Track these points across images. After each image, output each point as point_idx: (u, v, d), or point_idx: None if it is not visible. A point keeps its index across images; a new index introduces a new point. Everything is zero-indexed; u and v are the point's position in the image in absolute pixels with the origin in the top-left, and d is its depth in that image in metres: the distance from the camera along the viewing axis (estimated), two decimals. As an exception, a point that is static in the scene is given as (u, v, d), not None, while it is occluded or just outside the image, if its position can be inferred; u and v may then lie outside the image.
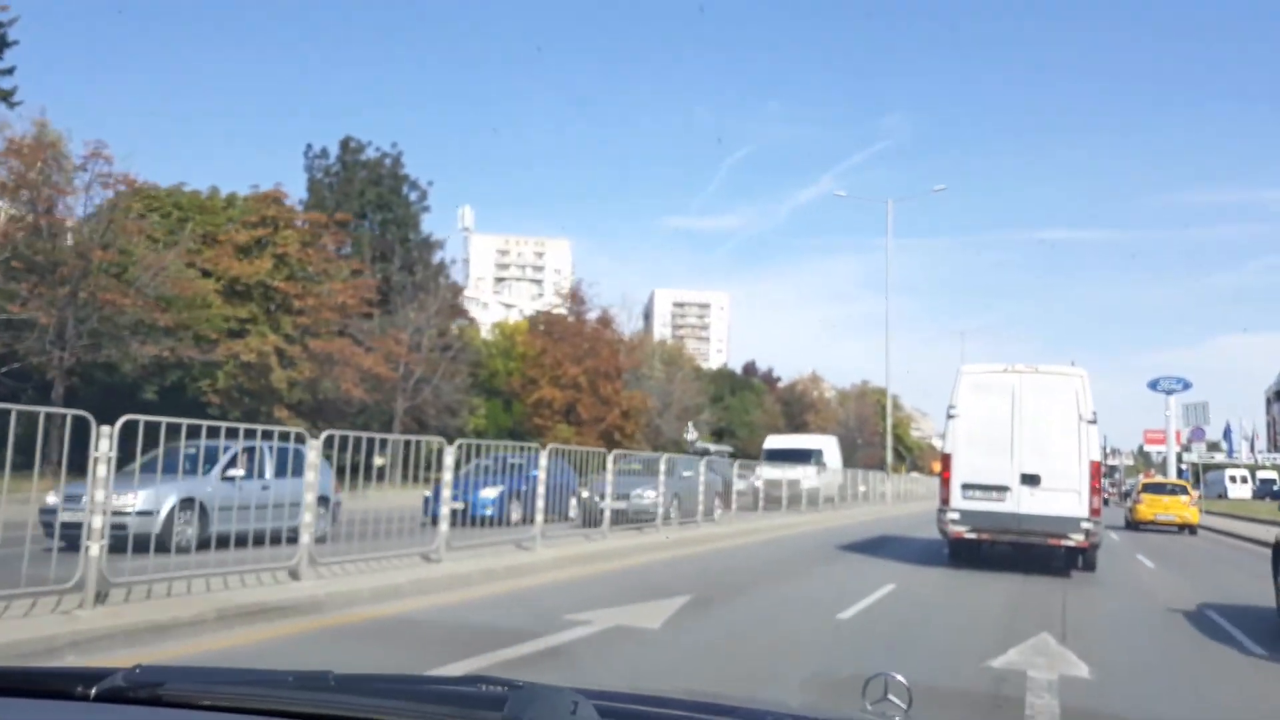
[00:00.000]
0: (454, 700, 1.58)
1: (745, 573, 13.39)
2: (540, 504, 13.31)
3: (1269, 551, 11.72)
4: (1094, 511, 13.53)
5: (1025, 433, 13.94)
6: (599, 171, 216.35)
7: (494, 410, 54.44)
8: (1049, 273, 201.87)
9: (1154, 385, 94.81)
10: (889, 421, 41.85)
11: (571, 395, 46.18)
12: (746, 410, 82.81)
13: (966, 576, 13.59)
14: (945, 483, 14.44)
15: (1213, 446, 56.60)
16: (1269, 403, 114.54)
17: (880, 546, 18.67)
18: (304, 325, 29.93)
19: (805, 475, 28.76)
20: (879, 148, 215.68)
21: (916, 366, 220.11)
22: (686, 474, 20.14)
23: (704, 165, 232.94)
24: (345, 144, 47.58)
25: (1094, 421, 13.81)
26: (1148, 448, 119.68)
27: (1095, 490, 13.53)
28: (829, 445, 39.95)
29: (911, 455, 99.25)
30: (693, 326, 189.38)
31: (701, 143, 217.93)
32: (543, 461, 13.54)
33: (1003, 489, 13.92)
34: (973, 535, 14.24)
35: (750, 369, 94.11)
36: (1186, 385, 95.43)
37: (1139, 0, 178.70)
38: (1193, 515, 31.26)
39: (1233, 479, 68.66)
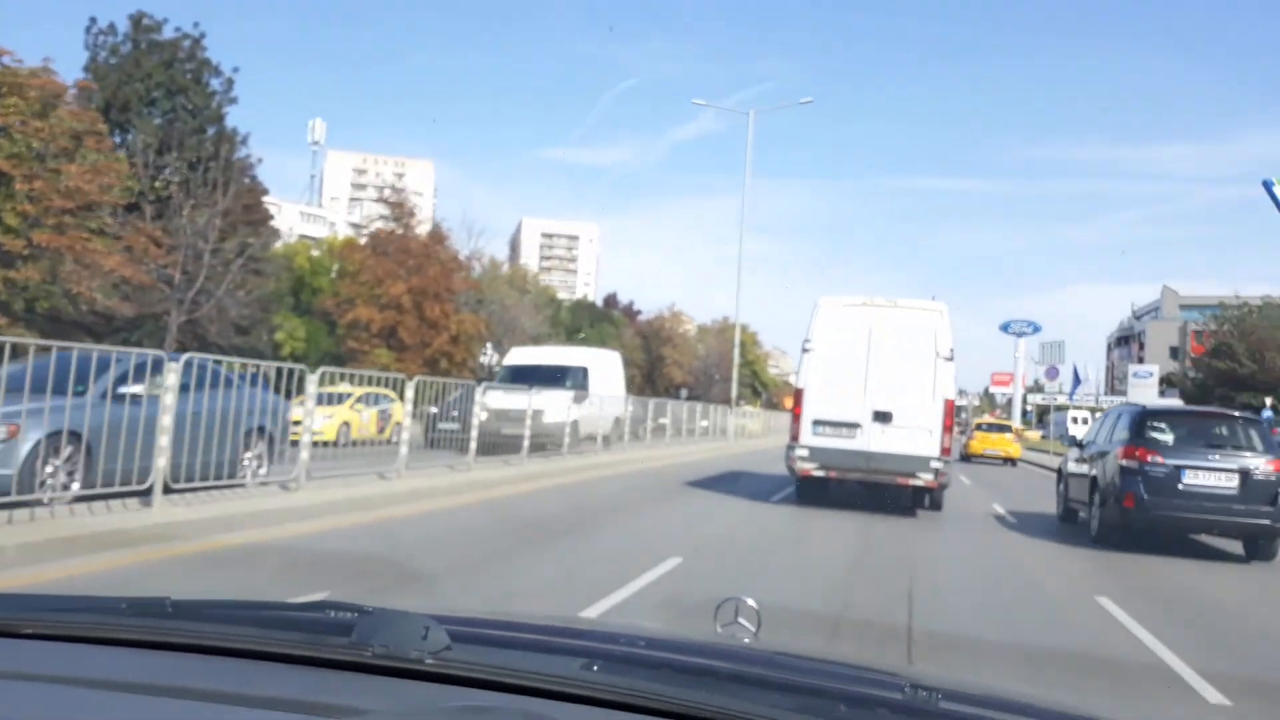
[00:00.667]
0: (299, 626, 1.54)
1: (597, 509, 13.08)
2: (405, 435, 13.28)
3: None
4: (944, 451, 13.17)
5: (880, 368, 13.40)
6: (476, 98, 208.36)
7: (315, 332, 49.30)
8: (915, 219, 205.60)
9: (1005, 328, 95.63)
10: (736, 353, 38.29)
11: (392, 317, 41.38)
12: (604, 343, 79.34)
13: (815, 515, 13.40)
14: (796, 418, 13.86)
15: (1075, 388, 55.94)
16: (1109, 348, 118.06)
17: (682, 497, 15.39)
18: (32, 215, 24.31)
19: (553, 403, 18.92)
20: (759, 89, 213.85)
21: (781, 307, 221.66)
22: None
23: (585, 98, 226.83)
24: (137, 21, 40.98)
25: (951, 359, 13.27)
26: (993, 389, 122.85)
27: (948, 429, 13.14)
28: (599, 363, 25.62)
29: (768, 391, 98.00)
30: (561, 258, 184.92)
31: (583, 75, 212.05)
32: (408, 393, 13.53)
33: (854, 426, 13.42)
34: (821, 473, 13.68)
35: (611, 301, 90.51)
36: (1036, 328, 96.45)
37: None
38: (1015, 450, 36.27)
39: (1074, 420, 69.11)
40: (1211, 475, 11.17)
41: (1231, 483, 11.08)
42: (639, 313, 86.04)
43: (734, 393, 36.43)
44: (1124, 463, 11.47)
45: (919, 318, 13.62)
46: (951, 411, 13.30)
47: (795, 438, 13.80)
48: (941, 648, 6.16)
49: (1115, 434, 12.35)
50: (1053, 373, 39.07)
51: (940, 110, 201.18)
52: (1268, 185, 58.85)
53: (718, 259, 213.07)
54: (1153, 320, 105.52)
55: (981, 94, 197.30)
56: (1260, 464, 11.19)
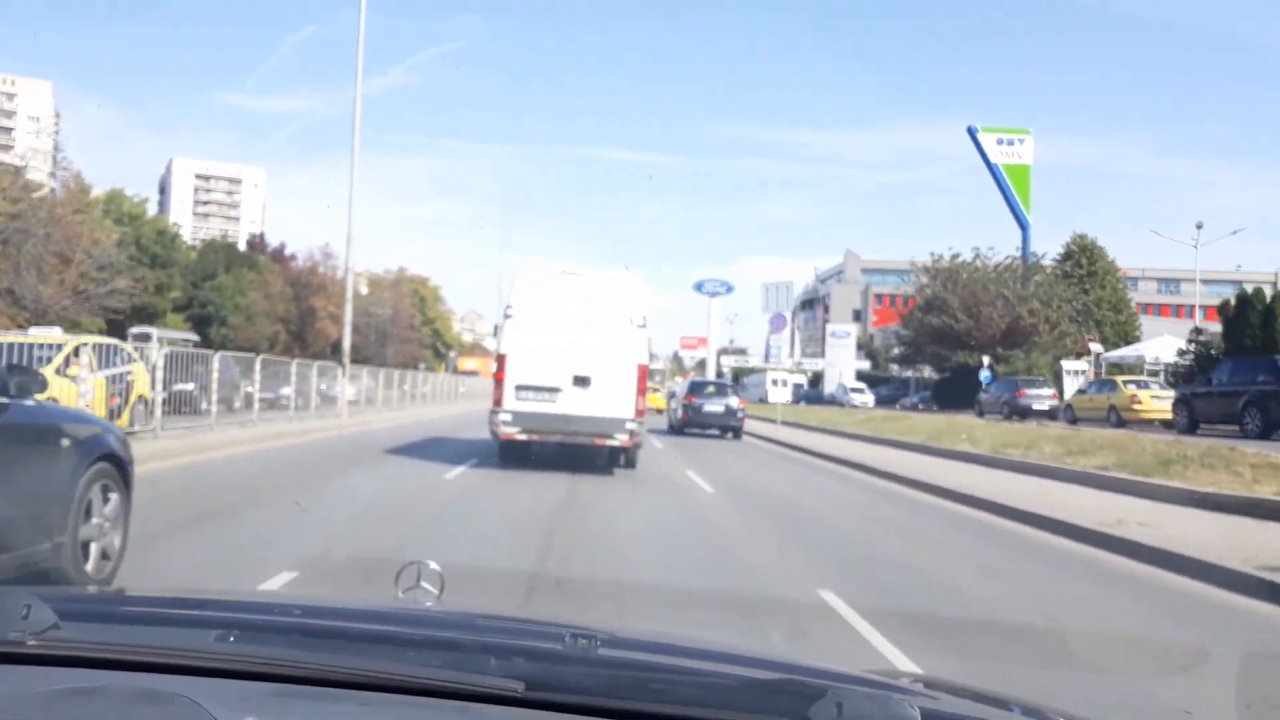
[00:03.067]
0: None
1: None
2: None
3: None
4: (638, 413, 13.63)
5: (578, 334, 13.42)
6: (132, 24, 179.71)
7: None
8: (605, 189, 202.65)
9: (699, 287, 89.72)
10: (349, 308, 26.46)
11: None
12: (243, 291, 64.73)
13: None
14: (499, 384, 13.70)
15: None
16: (794, 312, 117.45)
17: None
18: None
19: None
20: (452, 46, 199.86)
21: (479, 270, 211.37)
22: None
23: (263, 39, 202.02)
24: None
25: (644, 326, 13.72)
26: (682, 352, 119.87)
27: (641, 392, 13.63)
28: None
29: (450, 351, 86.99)
30: (220, 204, 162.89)
31: (258, 17, 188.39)
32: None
33: (554, 390, 13.46)
34: (524, 436, 13.64)
35: (257, 244, 75.28)
36: (730, 288, 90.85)
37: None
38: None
39: (774, 383, 63.79)
40: (714, 406, 26.05)
41: (720, 409, 25.98)
42: (293, 257, 71.77)
43: (346, 347, 25.13)
44: (685, 402, 26.75)
45: (614, 286, 13.88)
46: (644, 376, 13.75)
47: (499, 403, 13.63)
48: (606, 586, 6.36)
49: (682, 390, 29.79)
50: (778, 321, 31.79)
51: (626, 82, 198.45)
52: (971, 132, 55.65)
53: (408, 219, 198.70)
54: (836, 283, 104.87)
55: (666, 69, 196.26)
56: (733, 401, 26.34)
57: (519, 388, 13.35)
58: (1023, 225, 49.66)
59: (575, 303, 13.46)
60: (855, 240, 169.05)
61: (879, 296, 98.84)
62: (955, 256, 46.30)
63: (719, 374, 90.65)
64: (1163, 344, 39.64)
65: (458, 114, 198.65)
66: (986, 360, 40.83)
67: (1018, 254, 48.16)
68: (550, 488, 11.81)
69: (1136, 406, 24.88)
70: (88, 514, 4.96)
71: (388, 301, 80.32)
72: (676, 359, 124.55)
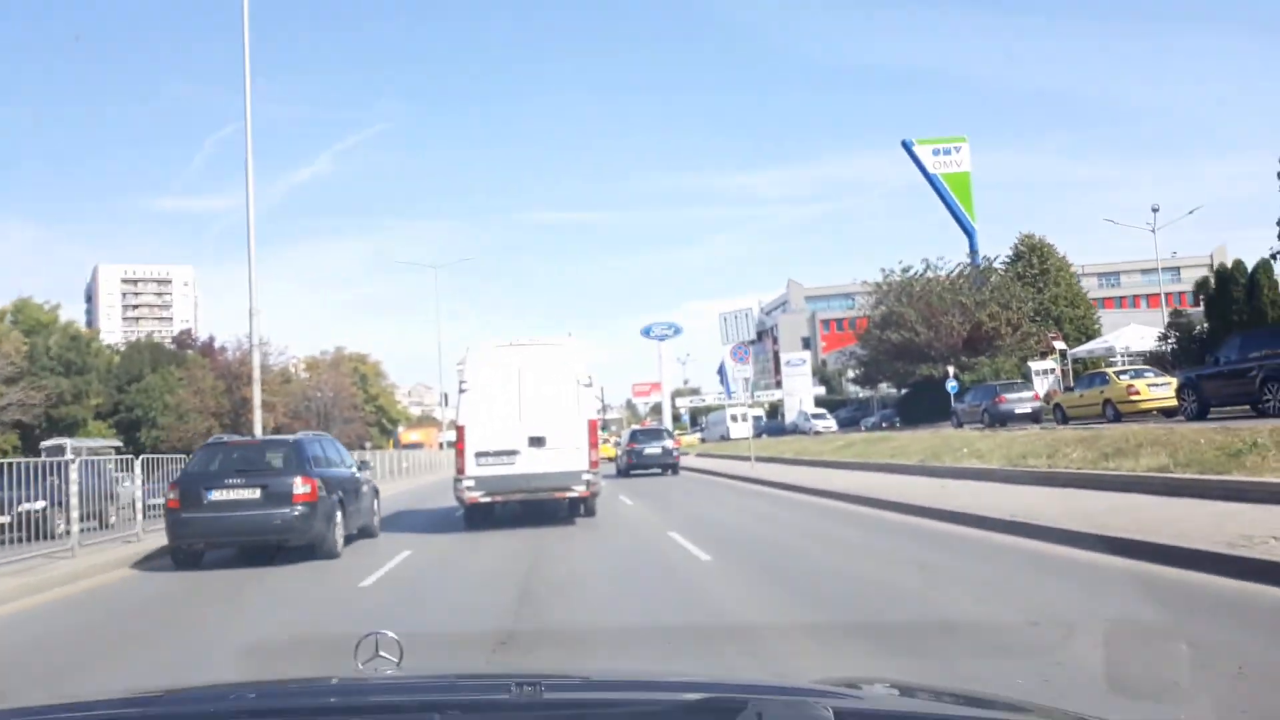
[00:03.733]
0: None
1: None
2: None
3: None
4: (593, 464, 14.23)
5: (529, 399, 14.13)
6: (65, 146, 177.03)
7: None
8: (542, 252, 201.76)
9: (646, 332, 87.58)
10: (257, 390, 23.72)
11: None
12: (172, 390, 61.03)
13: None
14: (460, 453, 14.33)
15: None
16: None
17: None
18: None
19: None
20: (377, 130, 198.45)
21: (425, 345, 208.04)
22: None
23: (186, 145, 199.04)
24: None
25: (589, 385, 14.80)
26: (634, 400, 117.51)
27: (593, 445, 14.28)
28: None
29: (396, 427, 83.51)
30: (151, 306, 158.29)
31: (180, 122, 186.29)
32: None
33: (513, 453, 14.08)
34: (488, 499, 14.27)
35: (185, 340, 71.68)
36: (678, 330, 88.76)
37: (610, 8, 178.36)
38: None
39: (734, 418, 61.53)
40: (652, 449, 29.51)
41: (658, 450, 29.03)
42: (223, 350, 68.19)
43: (258, 429, 22.37)
44: (628, 449, 29.05)
45: (558, 353, 14.75)
46: (595, 430, 14.47)
47: (461, 470, 14.21)
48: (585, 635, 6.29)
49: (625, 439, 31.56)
50: (741, 352, 29.48)
51: (551, 148, 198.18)
52: (907, 145, 54.42)
53: (345, 301, 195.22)
54: (783, 314, 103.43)
55: (589, 130, 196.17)
56: (668, 443, 29.95)
57: (479, 454, 14.00)
58: (968, 232, 48.22)
59: (523, 371, 14.23)
60: (794, 271, 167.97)
61: (825, 322, 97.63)
62: (906, 270, 44.57)
63: (675, 416, 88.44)
64: (1131, 334, 38.07)
65: (391, 194, 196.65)
66: (951, 370, 38.95)
67: (968, 261, 46.63)
68: (518, 543, 12.31)
69: (1134, 397, 22.86)
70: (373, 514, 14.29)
71: (328, 383, 76.91)
72: (630, 407, 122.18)
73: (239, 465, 11.84)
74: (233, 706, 1.55)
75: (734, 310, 33.83)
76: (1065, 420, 25.07)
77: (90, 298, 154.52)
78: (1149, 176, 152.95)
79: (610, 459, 32.96)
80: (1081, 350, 40.87)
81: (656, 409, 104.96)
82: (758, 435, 60.63)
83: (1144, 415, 22.76)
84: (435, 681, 1.78)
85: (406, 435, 63.28)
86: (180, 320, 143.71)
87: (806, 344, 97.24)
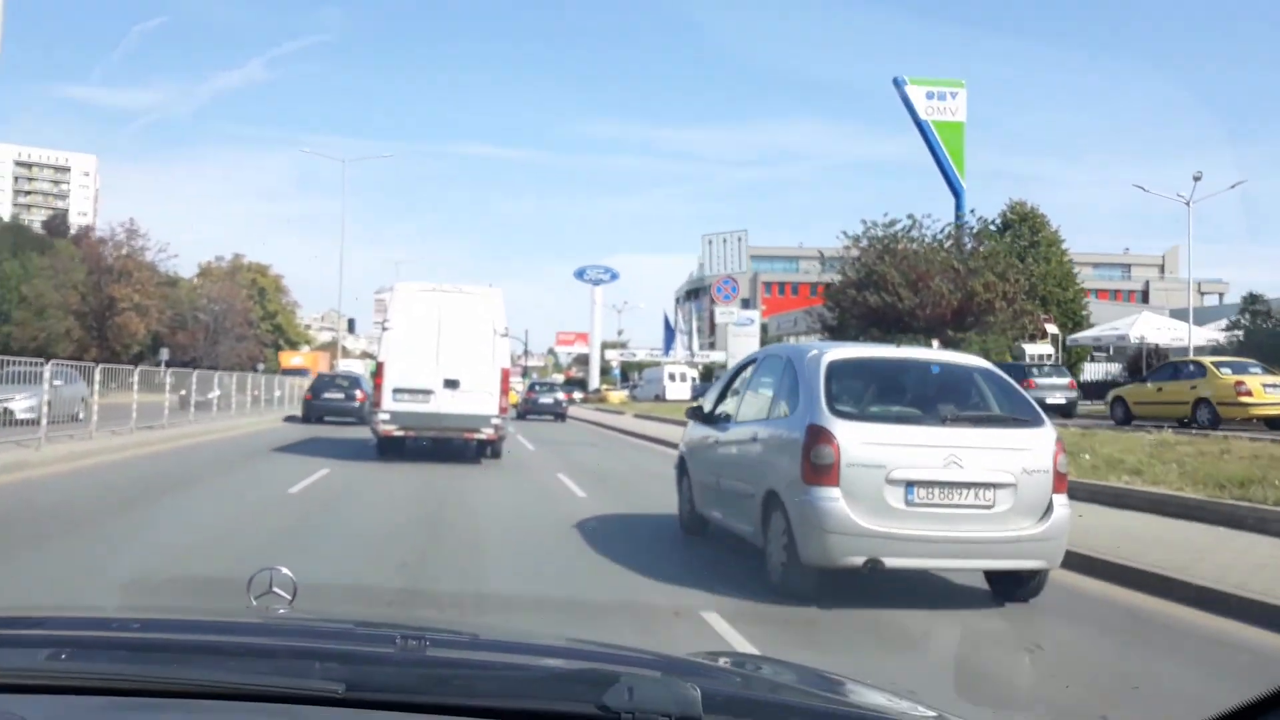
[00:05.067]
0: None
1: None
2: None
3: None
4: (502, 410, 14.88)
5: (448, 343, 14.56)
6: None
7: None
8: (473, 186, 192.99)
9: (580, 274, 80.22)
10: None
11: None
12: (29, 279, 51.92)
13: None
14: (379, 388, 14.86)
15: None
16: (678, 302, 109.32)
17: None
18: None
19: None
20: (311, 41, 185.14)
21: (354, 268, 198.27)
22: None
23: (106, 29, 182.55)
24: None
25: (505, 334, 15.41)
26: (557, 348, 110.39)
27: (504, 392, 14.91)
28: None
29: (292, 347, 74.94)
30: (45, 194, 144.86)
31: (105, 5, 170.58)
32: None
33: (428, 392, 14.55)
34: (400, 433, 14.82)
35: (56, 226, 62.06)
36: (614, 275, 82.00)
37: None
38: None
39: (672, 377, 55.07)
40: (546, 399, 37.45)
41: (551, 400, 37.18)
42: (102, 241, 58.99)
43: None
44: (527, 397, 35.59)
45: (478, 301, 15.10)
46: (506, 378, 15.18)
47: (378, 404, 14.83)
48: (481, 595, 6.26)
49: (524, 389, 36.71)
50: (728, 287, 23.20)
51: (495, 80, 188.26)
52: (898, 83, 48.06)
53: (262, 215, 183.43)
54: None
55: (536, 68, 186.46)
56: (559, 395, 38.25)
57: (396, 390, 14.67)
58: (957, 191, 42.27)
59: (444, 316, 14.74)
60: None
61: (768, 285, 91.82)
62: (891, 224, 38.34)
63: (604, 369, 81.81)
64: (1146, 324, 32.64)
65: (320, 109, 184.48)
66: (936, 344, 33.04)
67: (954, 224, 40.64)
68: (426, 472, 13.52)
69: (1245, 399, 16.96)
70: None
71: (221, 293, 68.14)
72: (552, 355, 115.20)
73: (334, 382, 26.42)
74: (107, 637, 1.53)
75: (722, 232, 26.53)
76: (1128, 419, 19.15)
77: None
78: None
79: (514, 405, 34.13)
80: (1086, 335, 35.41)
81: (581, 360, 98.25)
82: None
83: (1245, 423, 16.99)
84: (322, 627, 1.79)
85: (287, 358, 54.44)
86: (78, 214, 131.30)
87: (746, 305, 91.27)
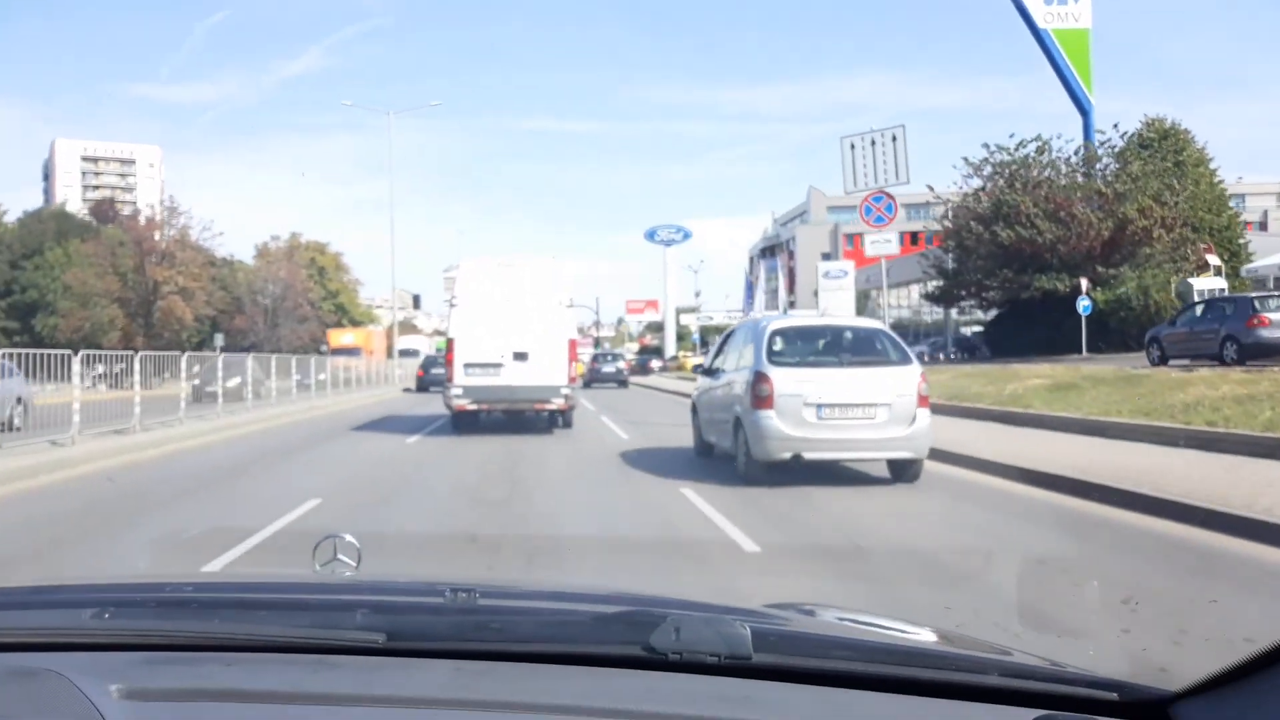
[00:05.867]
0: None
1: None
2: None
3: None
4: (571, 380, 15.04)
5: (515, 316, 14.63)
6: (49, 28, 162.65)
7: None
8: (537, 160, 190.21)
9: (651, 235, 75.01)
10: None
11: None
12: (72, 267, 48.92)
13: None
14: (450, 364, 15.06)
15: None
16: (752, 261, 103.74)
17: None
18: None
19: None
20: (369, 24, 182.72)
21: (423, 248, 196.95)
22: None
23: (171, 29, 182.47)
24: None
25: (571, 305, 15.73)
26: (627, 317, 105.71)
27: (572, 362, 15.14)
28: None
29: (357, 327, 71.48)
30: (113, 188, 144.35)
31: (164, 6, 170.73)
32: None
33: (497, 365, 14.67)
34: (474, 407, 15.00)
35: (104, 211, 59.29)
36: (686, 235, 76.59)
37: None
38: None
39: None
40: (608, 368, 39.71)
41: (613, 369, 39.08)
42: (145, 221, 55.86)
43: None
44: (591, 367, 35.69)
45: (543, 273, 15.22)
46: (573, 349, 15.37)
47: (450, 379, 15.04)
48: (553, 550, 6.41)
49: (588, 359, 32.36)
50: (881, 204, 18.32)
51: (551, 54, 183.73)
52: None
53: (343, 200, 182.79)
54: (801, 225, 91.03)
55: (591, 38, 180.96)
56: (621, 365, 40.48)
57: (467, 365, 14.76)
58: (1084, 108, 36.22)
59: (511, 289, 14.81)
60: (796, 194, 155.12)
61: (850, 237, 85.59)
62: (1021, 145, 32.64)
63: (680, 335, 77.06)
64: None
65: (380, 92, 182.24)
66: (1085, 284, 27.57)
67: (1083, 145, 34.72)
68: (497, 448, 12.92)
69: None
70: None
71: (279, 274, 64.86)
72: (622, 324, 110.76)
73: (438, 361, 28.60)
74: (151, 597, 1.53)
75: (867, 131, 21.22)
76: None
77: (48, 176, 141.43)
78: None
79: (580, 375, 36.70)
80: (1262, 266, 29.50)
81: (655, 327, 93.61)
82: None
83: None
84: (370, 582, 1.76)
85: (336, 337, 49.31)
86: (145, 205, 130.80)
87: (826, 258, 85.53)
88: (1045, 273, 30.08)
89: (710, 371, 11.41)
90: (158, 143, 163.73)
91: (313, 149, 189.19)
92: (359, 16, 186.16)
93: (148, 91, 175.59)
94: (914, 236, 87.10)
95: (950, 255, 34.32)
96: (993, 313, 36.19)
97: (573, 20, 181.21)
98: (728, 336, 11.48)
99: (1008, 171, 32.32)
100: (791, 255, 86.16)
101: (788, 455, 8.77)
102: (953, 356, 38.50)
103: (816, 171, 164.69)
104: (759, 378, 8.98)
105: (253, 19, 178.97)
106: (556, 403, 14.84)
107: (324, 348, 53.72)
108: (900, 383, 9.00)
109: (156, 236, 48.82)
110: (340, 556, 1.77)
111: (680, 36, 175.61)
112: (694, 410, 12.04)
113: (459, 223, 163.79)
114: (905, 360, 9.35)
